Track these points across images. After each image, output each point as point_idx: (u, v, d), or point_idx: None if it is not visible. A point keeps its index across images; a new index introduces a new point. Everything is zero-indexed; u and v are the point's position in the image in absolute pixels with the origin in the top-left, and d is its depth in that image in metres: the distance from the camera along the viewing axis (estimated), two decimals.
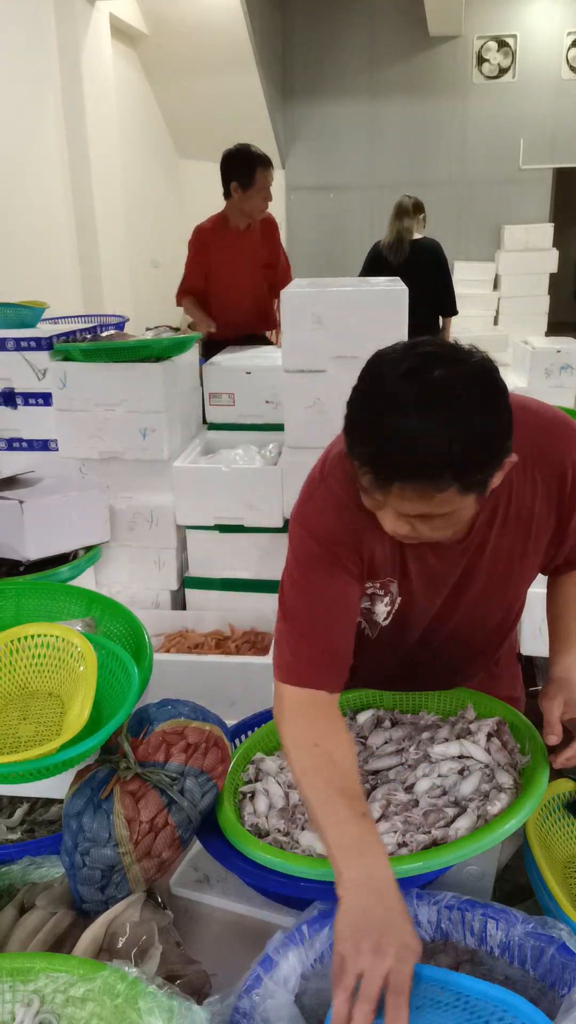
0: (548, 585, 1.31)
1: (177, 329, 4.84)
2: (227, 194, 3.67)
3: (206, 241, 3.79)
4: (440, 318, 4.76)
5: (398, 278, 2.61)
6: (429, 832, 1.01)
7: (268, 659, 1.63)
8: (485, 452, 0.94)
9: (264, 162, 3.61)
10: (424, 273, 4.48)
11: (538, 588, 2.43)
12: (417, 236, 4.59)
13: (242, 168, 3.59)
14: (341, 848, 0.93)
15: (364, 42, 7.75)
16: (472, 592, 1.23)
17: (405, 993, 0.80)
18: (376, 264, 4.62)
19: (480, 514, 1.12)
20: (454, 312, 4.75)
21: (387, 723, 1.28)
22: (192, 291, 3.88)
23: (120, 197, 6.07)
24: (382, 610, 1.23)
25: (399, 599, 1.22)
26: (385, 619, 1.24)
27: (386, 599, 1.21)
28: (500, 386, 0.97)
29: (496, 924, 0.94)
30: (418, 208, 4.59)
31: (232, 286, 3.81)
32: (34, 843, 1.18)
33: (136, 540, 2.65)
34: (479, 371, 0.96)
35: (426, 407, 0.90)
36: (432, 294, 4.57)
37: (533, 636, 2.36)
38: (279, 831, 1.08)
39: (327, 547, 1.13)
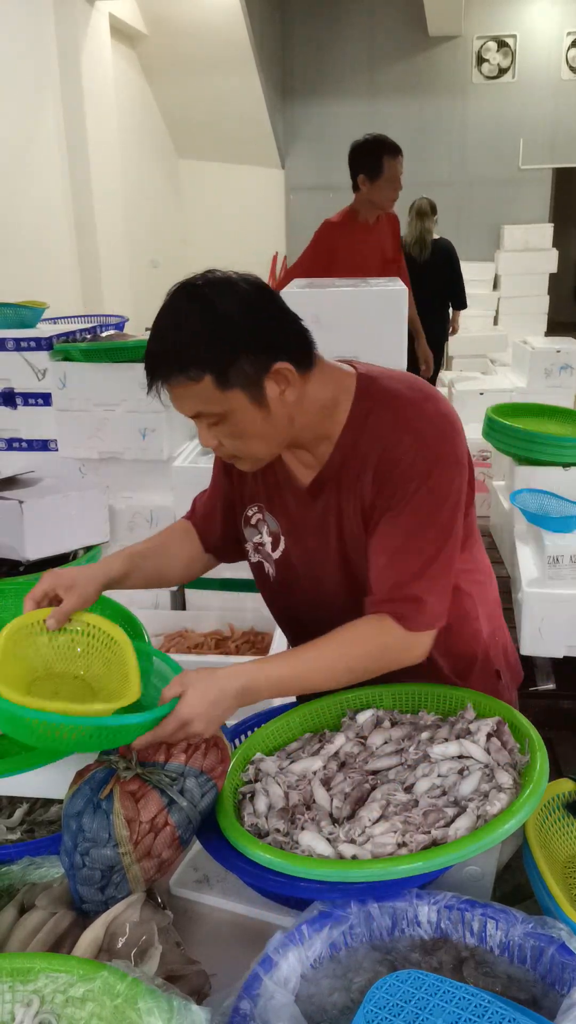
0: None
1: None
2: (355, 187, 3.59)
3: (334, 236, 3.65)
4: (451, 311, 5.28)
5: (397, 278, 2.61)
6: (429, 832, 1.01)
7: None
8: (223, 341, 1.07)
9: (391, 150, 3.49)
10: (441, 270, 4.97)
11: (537, 588, 2.42)
12: (436, 236, 5.05)
13: (368, 158, 3.50)
14: None
15: (364, 42, 7.76)
16: (342, 546, 1.27)
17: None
18: None
19: (321, 469, 1.24)
20: (464, 306, 5.29)
21: (386, 723, 1.28)
22: None
23: (119, 197, 6.07)
24: (267, 541, 1.36)
25: (283, 539, 1.34)
26: (273, 550, 1.36)
27: (265, 529, 1.36)
28: (243, 294, 1.13)
29: (496, 924, 0.94)
30: (434, 209, 5.05)
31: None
32: (34, 843, 1.18)
33: (136, 540, 2.64)
34: (234, 283, 1.13)
35: (172, 310, 1.10)
36: (447, 290, 5.06)
37: (533, 636, 2.36)
38: (279, 831, 1.08)
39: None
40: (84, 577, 1.25)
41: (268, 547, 1.37)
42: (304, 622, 1.38)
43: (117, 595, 1.44)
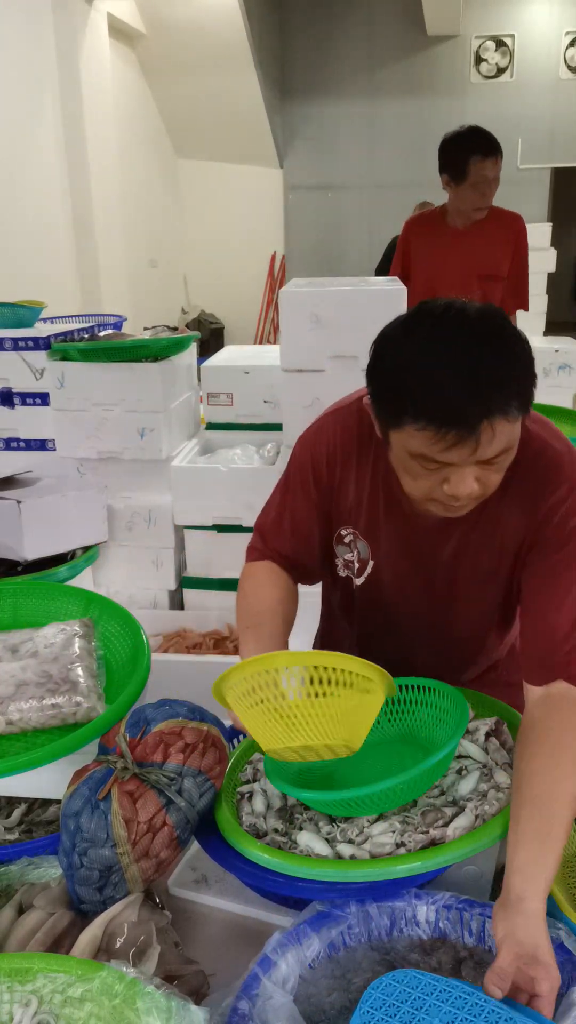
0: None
1: (175, 329, 4.84)
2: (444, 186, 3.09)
3: (408, 236, 3.25)
4: None
5: (396, 278, 2.61)
6: (427, 832, 1.01)
7: None
8: (532, 367, 0.99)
9: (482, 148, 2.95)
10: None
11: None
12: None
13: (453, 155, 2.99)
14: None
15: (362, 42, 7.76)
16: (440, 574, 1.24)
17: None
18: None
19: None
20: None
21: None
22: None
23: (118, 196, 6.07)
24: (352, 560, 1.31)
25: (371, 562, 1.28)
26: (358, 574, 1.31)
27: (355, 554, 1.30)
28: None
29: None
30: None
31: (430, 292, 2.99)
32: (32, 843, 1.18)
33: (134, 540, 2.65)
34: (491, 307, 1.01)
35: (487, 340, 0.96)
36: None
37: None
38: (277, 831, 1.08)
39: (303, 469, 1.27)
40: None
41: (355, 568, 1.32)
42: (378, 636, 1.38)
43: (115, 595, 1.43)
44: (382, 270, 5.38)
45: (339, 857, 1.01)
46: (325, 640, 1.57)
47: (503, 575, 1.23)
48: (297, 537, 1.32)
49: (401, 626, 1.35)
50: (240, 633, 1.25)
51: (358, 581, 1.32)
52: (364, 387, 1.11)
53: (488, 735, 1.18)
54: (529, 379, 0.98)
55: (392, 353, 1.02)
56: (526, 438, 1.08)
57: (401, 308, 2.30)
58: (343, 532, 1.30)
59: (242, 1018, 0.85)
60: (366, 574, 1.31)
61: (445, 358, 0.95)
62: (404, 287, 2.34)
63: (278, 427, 2.61)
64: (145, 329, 3.48)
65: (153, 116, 7.50)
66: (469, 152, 2.97)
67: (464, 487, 1.02)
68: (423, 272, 3.19)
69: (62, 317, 3.50)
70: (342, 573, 1.35)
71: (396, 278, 2.62)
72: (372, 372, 1.05)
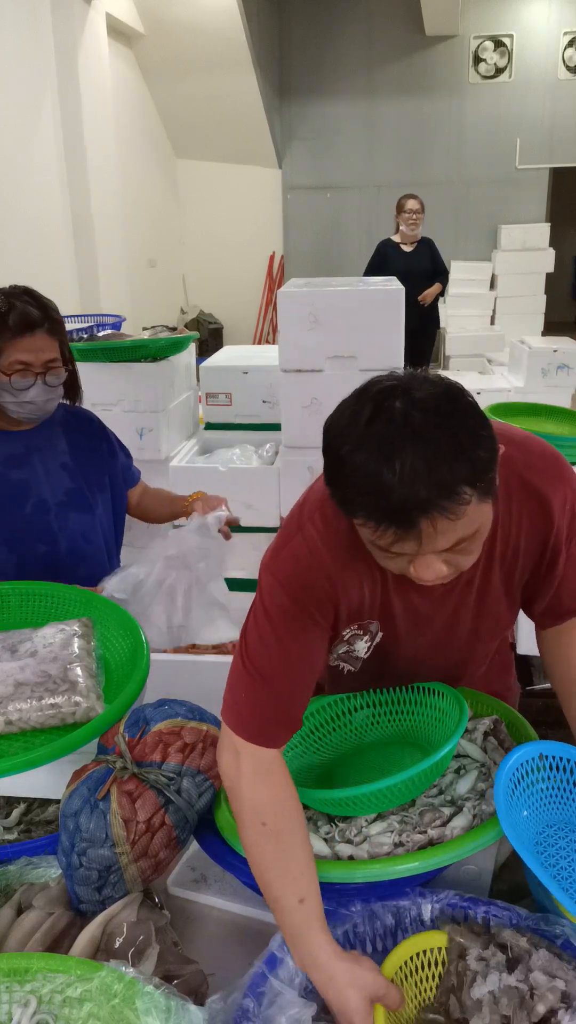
0: (541, 642, 1.24)
1: (174, 329, 4.84)
2: None
3: None
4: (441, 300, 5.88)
5: (394, 278, 2.61)
6: (425, 832, 1.01)
7: None
8: (486, 449, 0.90)
9: None
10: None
11: None
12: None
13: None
14: (286, 934, 0.95)
15: (361, 42, 7.76)
16: (459, 632, 1.18)
17: None
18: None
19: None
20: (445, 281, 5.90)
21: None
22: None
23: (117, 197, 6.07)
24: (362, 647, 1.18)
25: (380, 635, 1.16)
26: (366, 653, 1.19)
27: (366, 637, 1.17)
28: (466, 393, 0.93)
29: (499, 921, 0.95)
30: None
31: None
32: (31, 843, 1.18)
33: (133, 540, 2.64)
34: (444, 385, 0.92)
35: (423, 432, 0.87)
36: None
37: (531, 635, 2.36)
38: None
39: (299, 601, 1.06)
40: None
41: (359, 653, 1.19)
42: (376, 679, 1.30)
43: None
44: (371, 271, 5.48)
45: (337, 857, 1.01)
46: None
47: (518, 597, 1.19)
48: (291, 711, 1.09)
49: (407, 673, 1.27)
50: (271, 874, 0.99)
51: (364, 656, 1.19)
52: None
53: (486, 734, 1.18)
54: (482, 463, 0.88)
55: (335, 444, 0.92)
56: (508, 459, 1.01)
57: (399, 308, 2.30)
58: (345, 633, 1.16)
59: (249, 1016, 0.85)
60: (372, 646, 1.18)
61: (379, 453, 0.87)
62: (402, 287, 2.34)
63: (277, 427, 2.61)
64: (144, 329, 3.48)
65: (152, 116, 7.50)
66: None
67: (429, 573, 0.95)
68: None
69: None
70: (332, 663, 1.21)
71: (394, 278, 2.62)
72: (324, 458, 0.96)
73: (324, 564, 1.06)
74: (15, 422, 1.71)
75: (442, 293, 5.81)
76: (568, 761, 1.05)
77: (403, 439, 0.86)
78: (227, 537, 1.80)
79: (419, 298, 5.46)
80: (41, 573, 1.68)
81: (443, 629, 1.16)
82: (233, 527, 1.95)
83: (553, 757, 1.05)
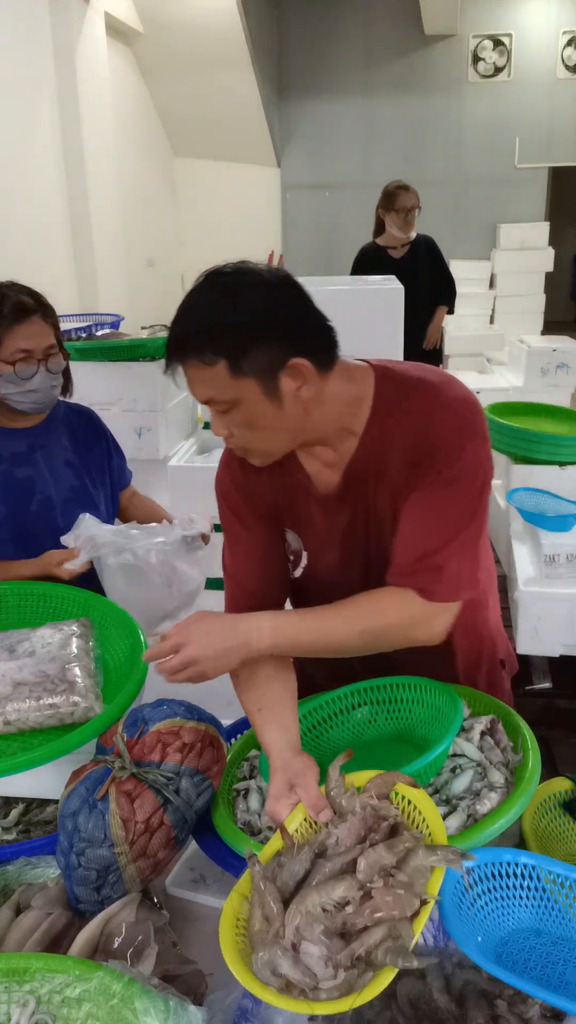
0: None
1: None
2: None
3: None
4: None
5: (394, 276, 2.61)
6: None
7: None
8: (241, 328, 1.04)
9: None
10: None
11: (533, 588, 2.42)
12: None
13: None
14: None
15: (360, 40, 7.75)
16: (367, 554, 1.24)
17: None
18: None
19: (347, 465, 1.19)
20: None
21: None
22: None
23: (115, 195, 6.06)
24: (293, 539, 1.31)
25: (305, 554, 1.29)
26: (294, 569, 1.32)
27: (292, 534, 1.30)
28: (266, 285, 1.09)
29: None
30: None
31: None
32: (30, 844, 1.18)
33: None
34: (270, 272, 1.10)
35: (196, 294, 1.07)
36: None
37: (529, 635, 2.37)
38: (271, 829, 1.08)
39: (228, 500, 1.30)
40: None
41: (291, 560, 1.32)
42: None
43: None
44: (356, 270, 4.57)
45: None
46: None
47: None
48: (260, 567, 1.31)
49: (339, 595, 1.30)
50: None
51: (296, 574, 1.32)
52: None
53: (483, 734, 1.18)
54: (238, 335, 1.05)
55: None
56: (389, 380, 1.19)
57: (398, 307, 2.30)
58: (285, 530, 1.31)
59: (248, 1016, 0.85)
60: (302, 566, 1.31)
61: (184, 301, 1.09)
62: (401, 286, 2.34)
63: None
64: (142, 328, 3.47)
65: (150, 115, 7.49)
66: None
67: (214, 427, 1.15)
68: None
69: (59, 316, 3.49)
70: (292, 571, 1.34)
71: (393, 277, 2.61)
72: None
73: (235, 476, 1.28)
74: (16, 418, 1.71)
75: (450, 311, 4.67)
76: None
77: (200, 292, 1.07)
78: (206, 541, 1.82)
79: (424, 344, 4.48)
80: None
81: (348, 549, 1.26)
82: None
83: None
